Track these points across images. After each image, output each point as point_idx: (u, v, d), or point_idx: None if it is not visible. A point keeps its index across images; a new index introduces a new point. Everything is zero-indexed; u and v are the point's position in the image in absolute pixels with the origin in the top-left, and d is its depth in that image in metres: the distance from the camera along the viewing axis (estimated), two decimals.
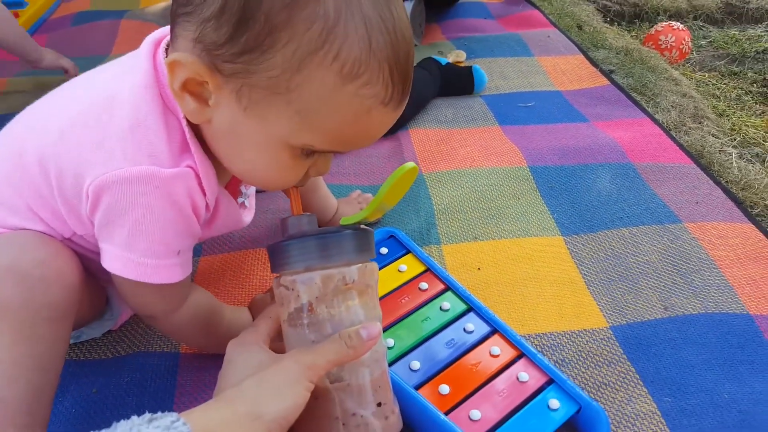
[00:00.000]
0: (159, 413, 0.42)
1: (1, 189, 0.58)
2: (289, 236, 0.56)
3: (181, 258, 0.59)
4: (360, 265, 0.55)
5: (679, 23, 1.83)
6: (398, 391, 0.63)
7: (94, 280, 0.67)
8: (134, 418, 0.41)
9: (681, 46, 1.78)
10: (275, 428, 0.46)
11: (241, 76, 0.48)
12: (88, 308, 0.70)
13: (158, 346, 0.76)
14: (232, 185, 0.69)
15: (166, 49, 0.56)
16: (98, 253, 0.58)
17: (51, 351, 0.57)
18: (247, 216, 0.73)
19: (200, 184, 0.56)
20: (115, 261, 0.56)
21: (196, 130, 0.55)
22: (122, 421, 0.41)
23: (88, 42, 1.66)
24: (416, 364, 0.68)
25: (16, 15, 1.70)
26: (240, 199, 0.71)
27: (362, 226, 0.57)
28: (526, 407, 0.64)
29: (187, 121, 0.54)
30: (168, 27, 0.55)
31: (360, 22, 0.46)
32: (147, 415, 0.41)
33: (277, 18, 0.45)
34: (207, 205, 0.60)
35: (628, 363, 0.74)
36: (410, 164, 0.53)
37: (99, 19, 1.81)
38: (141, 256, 0.55)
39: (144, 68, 0.54)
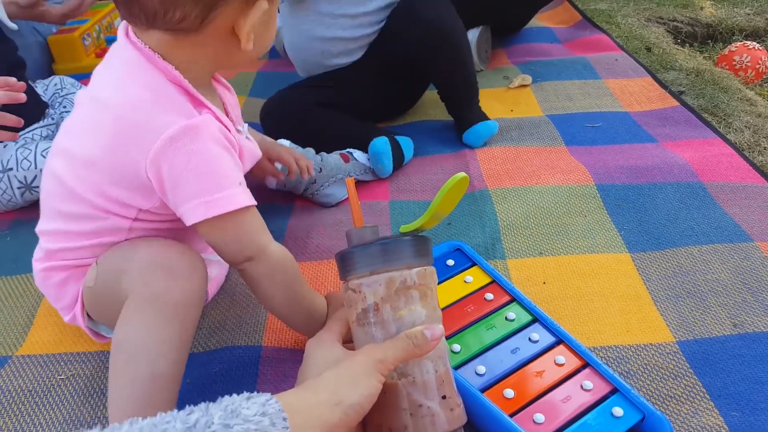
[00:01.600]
0: (255, 392, 0.47)
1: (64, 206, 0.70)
2: (354, 245, 0.62)
3: (243, 188, 0.67)
4: (419, 268, 0.60)
5: (755, 43, 1.79)
6: (464, 392, 0.67)
7: None
8: (234, 396, 0.46)
9: (757, 66, 1.75)
10: (352, 414, 0.51)
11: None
12: None
13: (243, 341, 0.83)
14: None
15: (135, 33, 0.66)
16: (168, 221, 0.69)
17: (189, 331, 0.67)
18: (257, 148, 0.81)
19: (222, 122, 0.67)
20: (195, 212, 0.64)
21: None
22: (225, 397, 0.46)
23: None
24: (482, 369, 0.71)
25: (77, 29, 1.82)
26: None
27: (420, 234, 0.64)
28: (589, 413, 0.66)
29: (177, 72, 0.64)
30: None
31: None
32: (245, 394, 0.47)
33: None
34: (231, 141, 0.68)
35: (695, 377, 0.74)
36: (461, 174, 0.60)
37: None
38: (213, 194, 0.63)
39: (132, 56, 0.64)
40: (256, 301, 0.89)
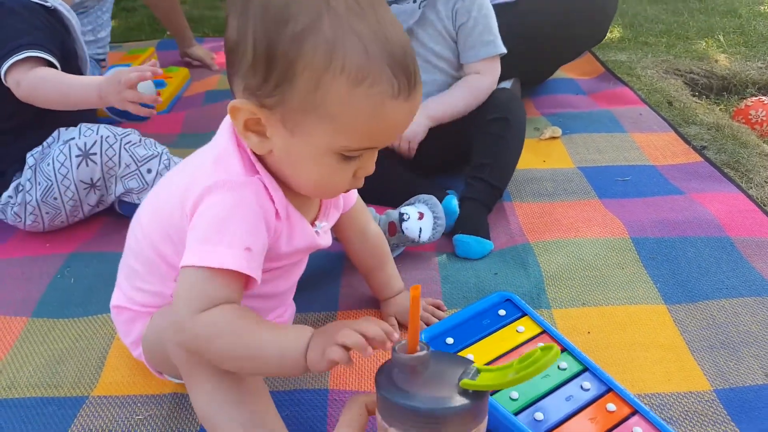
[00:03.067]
0: None
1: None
2: (405, 392, 0.56)
3: (248, 255, 0.65)
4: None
5: None
6: None
7: None
8: None
9: None
10: None
11: (280, 105, 0.62)
12: None
13: (309, 384, 0.89)
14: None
15: None
16: None
17: (249, 379, 0.71)
18: (325, 239, 0.81)
19: (269, 192, 0.69)
20: (191, 253, 0.64)
21: (263, 162, 0.69)
22: None
23: (219, 118, 1.88)
24: (540, 416, 0.77)
25: (158, 94, 1.94)
26: (314, 230, 0.80)
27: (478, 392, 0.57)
28: None
29: (255, 155, 0.68)
30: None
31: (354, 38, 0.59)
32: None
33: (292, 53, 0.59)
34: (278, 213, 0.70)
35: (732, 423, 0.81)
36: (555, 350, 0.55)
37: (226, 98, 2.03)
38: (212, 245, 0.64)
39: (225, 125, 0.72)
40: None
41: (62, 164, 1.21)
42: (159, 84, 2.03)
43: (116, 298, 0.84)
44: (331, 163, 0.65)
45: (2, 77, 1.16)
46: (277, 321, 0.92)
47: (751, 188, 1.39)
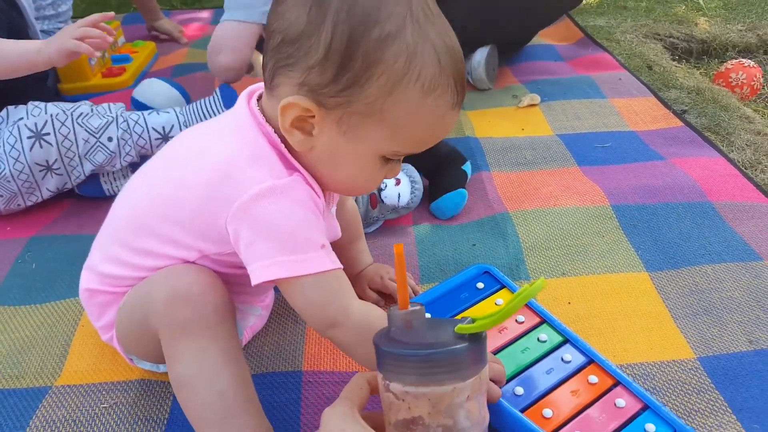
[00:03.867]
0: None
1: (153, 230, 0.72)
2: (398, 337, 0.57)
3: (326, 251, 0.66)
4: (472, 379, 0.55)
5: (750, 60, 1.87)
6: (506, 414, 0.71)
7: None
8: None
9: (752, 83, 1.82)
10: None
11: (343, 106, 0.60)
12: None
13: (283, 367, 0.87)
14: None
15: (258, 99, 0.69)
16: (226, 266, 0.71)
17: (232, 345, 0.69)
18: (338, 230, 0.80)
19: (312, 187, 0.67)
20: (268, 270, 0.63)
21: (294, 155, 0.67)
22: None
23: (189, 91, 1.82)
24: (520, 390, 0.75)
25: (123, 69, 1.88)
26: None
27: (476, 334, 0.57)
28: (623, 430, 0.70)
29: (287, 149, 0.66)
30: (259, 83, 0.69)
31: (431, 48, 0.58)
32: None
33: (373, 56, 0.57)
34: (324, 206, 0.69)
35: (717, 392, 0.79)
36: (541, 281, 0.54)
37: (194, 71, 1.97)
38: (290, 255, 0.63)
39: (245, 119, 0.67)
40: (292, 328, 0.93)
41: (12, 146, 1.15)
42: (124, 59, 1.96)
43: (88, 281, 0.79)
44: (373, 165, 0.65)
45: None
46: (261, 305, 0.90)
47: (732, 151, 1.37)
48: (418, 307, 0.60)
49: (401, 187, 1.11)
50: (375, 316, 0.68)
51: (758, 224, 1.08)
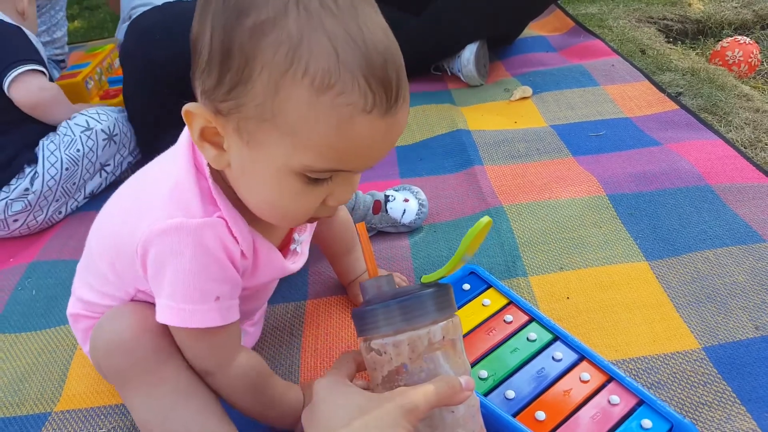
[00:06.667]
0: None
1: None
2: (372, 300, 0.59)
3: (220, 304, 0.63)
4: (445, 322, 0.58)
5: (745, 37, 1.83)
6: (499, 420, 0.69)
7: None
8: None
9: (750, 60, 1.78)
10: None
11: (235, 111, 0.53)
12: None
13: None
14: (286, 234, 0.76)
15: None
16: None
17: (183, 382, 0.68)
18: (298, 262, 0.76)
19: (231, 232, 0.62)
20: (162, 311, 0.63)
21: (223, 186, 0.63)
22: None
23: None
24: (511, 394, 0.73)
25: (120, 91, 1.86)
26: (293, 246, 0.76)
27: (441, 282, 0.61)
28: (619, 428, 0.68)
29: (213, 178, 0.62)
30: None
31: (323, 38, 0.49)
32: None
33: (248, 48, 0.50)
34: (243, 253, 0.65)
35: (724, 382, 0.77)
36: (485, 219, 0.57)
37: None
38: (180, 303, 0.62)
39: (182, 145, 0.64)
40: (288, 341, 0.92)
41: (90, 149, 1.29)
42: (121, 81, 1.95)
43: (72, 305, 0.79)
44: (291, 186, 0.56)
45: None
46: (248, 323, 0.89)
47: (730, 131, 1.34)
48: (386, 273, 0.63)
49: (409, 205, 1.10)
50: (256, 371, 0.70)
51: (759, 205, 1.05)
